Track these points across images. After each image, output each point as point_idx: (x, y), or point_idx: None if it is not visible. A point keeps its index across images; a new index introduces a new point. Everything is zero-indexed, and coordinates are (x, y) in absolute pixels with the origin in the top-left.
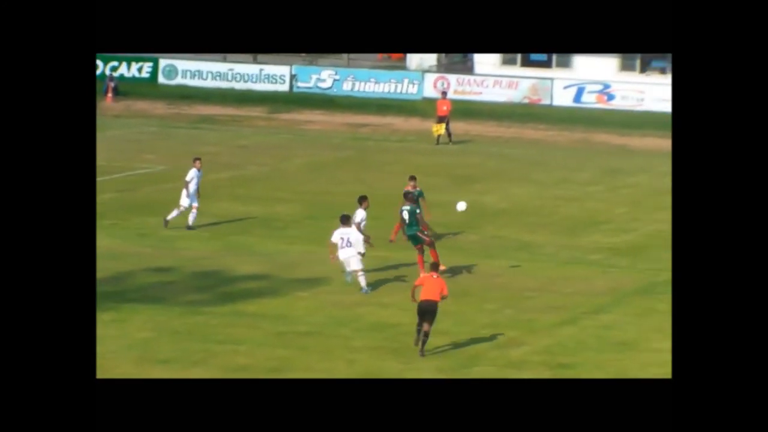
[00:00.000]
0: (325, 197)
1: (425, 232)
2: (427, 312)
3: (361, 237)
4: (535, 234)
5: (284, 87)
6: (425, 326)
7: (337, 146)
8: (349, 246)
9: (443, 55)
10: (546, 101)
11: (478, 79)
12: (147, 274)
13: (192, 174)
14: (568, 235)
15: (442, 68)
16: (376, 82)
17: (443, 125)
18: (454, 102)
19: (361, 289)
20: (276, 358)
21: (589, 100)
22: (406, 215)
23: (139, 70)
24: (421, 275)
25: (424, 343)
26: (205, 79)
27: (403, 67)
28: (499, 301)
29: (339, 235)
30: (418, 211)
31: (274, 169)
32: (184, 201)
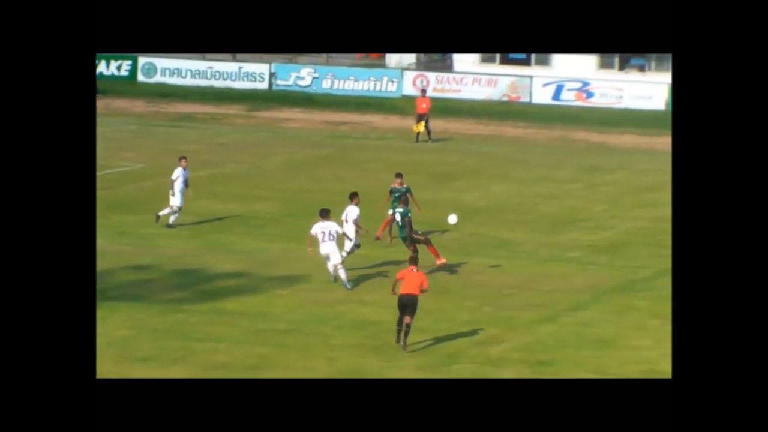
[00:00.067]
0: (304, 195)
1: (418, 232)
2: (407, 306)
3: (341, 229)
4: (515, 232)
5: (263, 85)
6: (406, 319)
7: (317, 144)
8: (331, 240)
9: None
10: (525, 99)
11: (458, 76)
12: (126, 272)
13: (178, 173)
14: (547, 233)
15: (421, 66)
16: (355, 80)
17: (422, 123)
18: (434, 100)
19: (341, 283)
20: (255, 355)
21: (568, 98)
22: (398, 217)
23: (118, 68)
24: (408, 269)
25: (406, 335)
26: (184, 77)
27: (383, 65)
28: (478, 298)
29: (320, 228)
30: (409, 214)
31: (254, 167)
32: (175, 201)
